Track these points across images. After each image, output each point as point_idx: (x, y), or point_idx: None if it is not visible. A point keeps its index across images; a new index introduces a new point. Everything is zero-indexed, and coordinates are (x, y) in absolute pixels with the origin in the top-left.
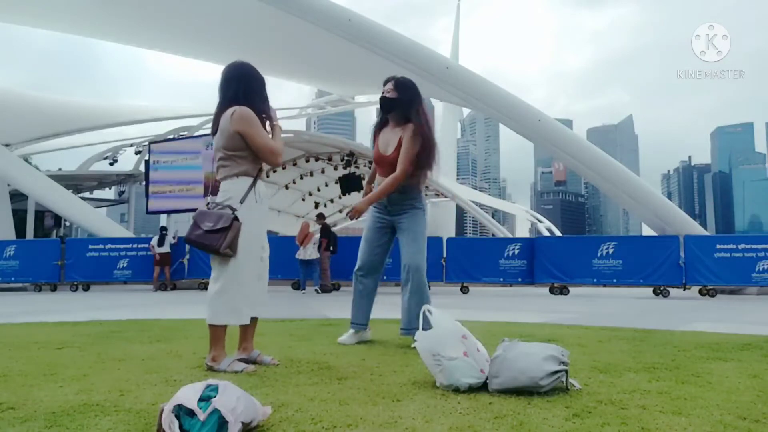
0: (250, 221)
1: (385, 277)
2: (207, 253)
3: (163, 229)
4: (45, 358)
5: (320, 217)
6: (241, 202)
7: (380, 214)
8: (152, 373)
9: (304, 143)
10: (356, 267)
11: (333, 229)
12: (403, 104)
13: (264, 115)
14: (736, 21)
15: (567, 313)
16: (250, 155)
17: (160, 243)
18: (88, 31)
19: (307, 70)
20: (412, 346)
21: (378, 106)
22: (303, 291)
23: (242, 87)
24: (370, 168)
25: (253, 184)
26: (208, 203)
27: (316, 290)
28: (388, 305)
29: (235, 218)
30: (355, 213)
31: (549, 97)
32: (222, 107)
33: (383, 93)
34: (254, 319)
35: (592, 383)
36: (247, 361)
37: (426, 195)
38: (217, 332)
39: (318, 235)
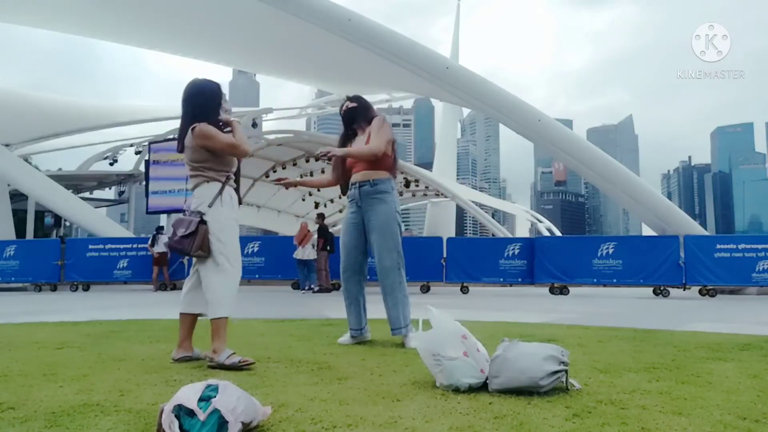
0: (220, 219)
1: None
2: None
3: (158, 229)
4: (45, 358)
5: (320, 217)
6: (210, 206)
7: (353, 212)
8: (152, 373)
9: (304, 143)
10: (341, 269)
11: (332, 229)
12: (362, 109)
13: (220, 123)
14: (736, 21)
15: (567, 313)
16: (214, 164)
17: (153, 243)
18: (88, 31)
19: (307, 70)
20: (407, 344)
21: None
22: (303, 291)
23: (198, 104)
24: None
25: (222, 188)
26: (184, 209)
27: (312, 289)
28: None
29: (201, 222)
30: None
31: (549, 97)
32: (184, 126)
33: (343, 110)
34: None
35: (592, 383)
36: (191, 359)
37: (426, 195)
38: (218, 325)
39: (316, 235)
